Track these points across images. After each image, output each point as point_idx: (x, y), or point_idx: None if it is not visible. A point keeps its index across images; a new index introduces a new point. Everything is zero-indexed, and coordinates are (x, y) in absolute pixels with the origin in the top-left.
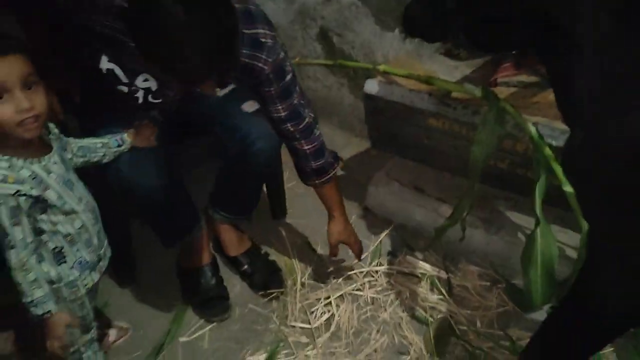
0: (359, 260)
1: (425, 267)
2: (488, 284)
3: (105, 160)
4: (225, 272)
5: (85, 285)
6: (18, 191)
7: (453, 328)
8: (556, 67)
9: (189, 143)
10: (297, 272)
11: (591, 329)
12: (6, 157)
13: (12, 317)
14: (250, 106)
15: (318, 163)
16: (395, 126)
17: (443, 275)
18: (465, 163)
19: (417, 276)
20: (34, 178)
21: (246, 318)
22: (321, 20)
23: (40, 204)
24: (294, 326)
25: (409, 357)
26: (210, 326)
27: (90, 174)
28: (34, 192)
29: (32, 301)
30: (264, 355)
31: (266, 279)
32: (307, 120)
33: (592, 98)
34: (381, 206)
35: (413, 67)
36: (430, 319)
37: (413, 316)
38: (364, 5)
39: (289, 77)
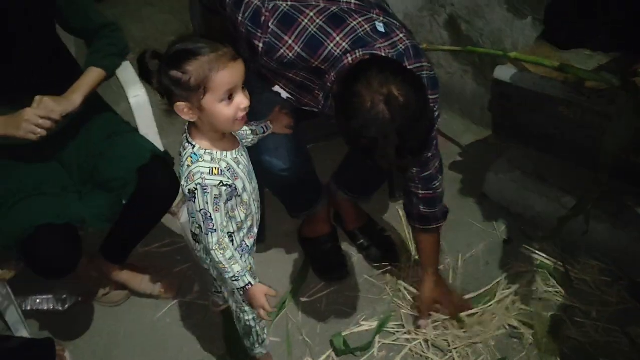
0: (453, 318)
1: (542, 257)
2: (609, 279)
3: (251, 144)
4: (343, 244)
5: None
6: (221, 182)
7: (565, 321)
8: None
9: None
10: (411, 249)
11: None
12: (208, 151)
13: None
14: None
15: (426, 211)
16: (523, 114)
17: (560, 267)
18: (594, 155)
19: (534, 267)
20: (229, 169)
21: (361, 287)
22: (451, 8)
23: (232, 192)
24: (405, 299)
25: (521, 343)
26: (328, 290)
27: None
28: (231, 182)
29: (233, 276)
30: (376, 323)
31: (382, 253)
32: (431, 171)
33: None
34: (499, 193)
35: (546, 55)
36: (543, 312)
37: (527, 304)
38: None
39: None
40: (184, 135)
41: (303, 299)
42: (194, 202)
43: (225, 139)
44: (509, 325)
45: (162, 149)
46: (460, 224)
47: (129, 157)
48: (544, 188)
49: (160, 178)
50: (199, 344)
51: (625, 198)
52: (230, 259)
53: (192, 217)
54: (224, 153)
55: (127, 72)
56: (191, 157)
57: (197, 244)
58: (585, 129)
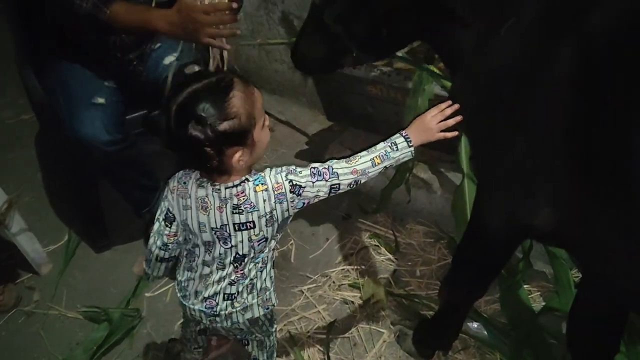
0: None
1: (375, 228)
2: (432, 240)
3: None
4: None
5: None
6: None
7: (391, 282)
8: (443, 42)
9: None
10: None
11: (486, 241)
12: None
13: None
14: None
15: None
16: (343, 97)
17: (390, 235)
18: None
19: (368, 239)
20: None
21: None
22: (282, 5)
23: None
24: None
25: (353, 306)
26: (172, 284)
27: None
28: None
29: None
30: None
31: None
32: None
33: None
34: None
35: None
36: (372, 277)
37: (358, 274)
38: None
39: None
40: (220, 190)
41: (147, 294)
42: (302, 185)
43: None
44: (342, 297)
45: None
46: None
47: None
48: None
49: None
50: (38, 353)
51: (438, 165)
52: (368, 153)
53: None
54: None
55: None
56: (257, 184)
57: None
58: (392, 105)
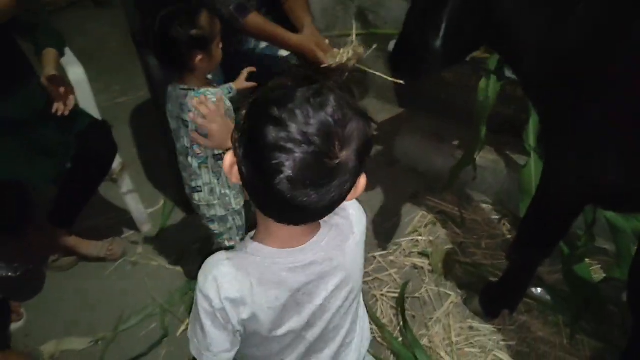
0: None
1: (442, 205)
2: (497, 217)
3: None
4: None
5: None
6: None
7: (458, 252)
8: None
9: None
10: None
11: (557, 203)
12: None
13: None
14: (284, 51)
15: None
16: (415, 83)
17: (457, 212)
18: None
19: (435, 214)
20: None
21: None
22: (358, 1)
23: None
24: None
25: (422, 271)
26: None
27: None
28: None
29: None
30: None
31: None
32: None
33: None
34: (406, 156)
35: None
36: (440, 247)
37: (427, 245)
38: None
39: None
40: (177, 89)
41: None
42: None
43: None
44: (412, 263)
45: (99, 118)
46: (374, 185)
47: (68, 124)
48: (441, 145)
49: (97, 142)
50: (143, 296)
51: (504, 147)
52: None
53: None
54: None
55: (67, 56)
56: (197, 96)
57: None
58: (465, 91)
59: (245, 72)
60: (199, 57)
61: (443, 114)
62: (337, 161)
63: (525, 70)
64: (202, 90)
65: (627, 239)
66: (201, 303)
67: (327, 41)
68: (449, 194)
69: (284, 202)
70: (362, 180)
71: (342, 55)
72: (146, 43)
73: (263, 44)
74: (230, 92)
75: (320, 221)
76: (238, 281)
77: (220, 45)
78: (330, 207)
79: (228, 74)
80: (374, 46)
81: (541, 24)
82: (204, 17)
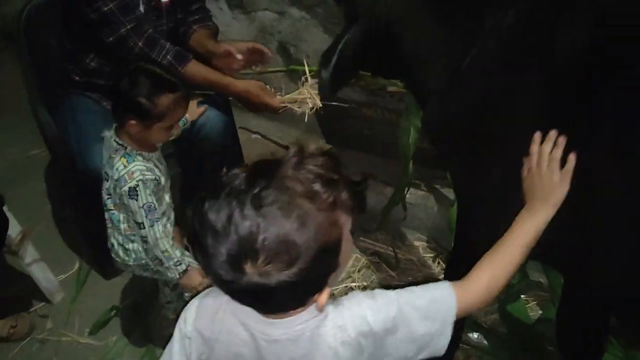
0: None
1: (376, 247)
2: (431, 255)
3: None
4: None
5: None
6: (155, 177)
7: None
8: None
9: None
10: None
11: (473, 258)
12: (139, 152)
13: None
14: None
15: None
16: (339, 120)
17: (391, 252)
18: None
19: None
20: (156, 166)
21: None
22: (278, 35)
23: (159, 186)
24: None
25: None
26: None
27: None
28: (159, 177)
29: (177, 260)
30: None
31: None
32: None
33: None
34: None
35: None
36: None
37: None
38: (312, 18)
39: None
40: (112, 139)
41: None
42: (137, 198)
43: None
44: None
45: None
46: None
47: None
48: (370, 183)
49: None
50: None
51: (434, 181)
52: (172, 245)
53: (126, 221)
54: (151, 154)
55: None
56: (125, 158)
57: (129, 255)
58: (388, 126)
59: (195, 102)
60: (132, 122)
61: (368, 150)
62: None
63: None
64: (133, 156)
65: (558, 275)
66: (179, 321)
67: None
68: (382, 233)
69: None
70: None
71: (298, 102)
72: (38, 94)
73: None
74: (185, 124)
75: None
76: (214, 321)
77: (174, 133)
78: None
79: None
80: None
81: (439, 75)
82: (168, 98)
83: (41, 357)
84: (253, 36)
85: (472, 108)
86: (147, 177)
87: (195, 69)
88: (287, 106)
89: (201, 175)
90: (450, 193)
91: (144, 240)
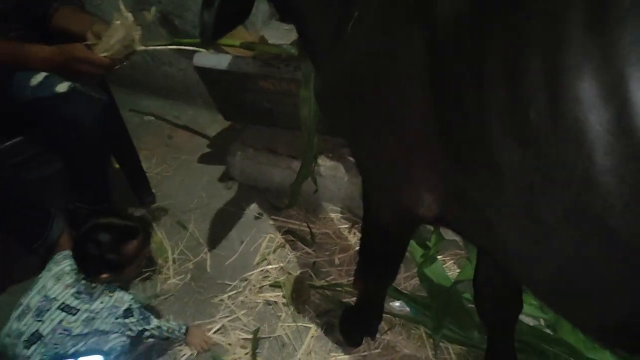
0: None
1: (289, 224)
2: (347, 226)
3: None
4: None
5: None
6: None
7: (311, 275)
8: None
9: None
10: (168, 250)
11: (381, 231)
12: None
13: None
14: (63, 86)
15: None
16: (236, 95)
17: (305, 228)
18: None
19: (284, 235)
20: None
21: None
22: (160, 5)
23: None
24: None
25: (276, 306)
26: None
27: None
28: None
29: (172, 332)
30: None
31: None
32: None
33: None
34: (242, 174)
35: (242, 36)
36: (292, 274)
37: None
38: None
39: None
40: (81, 282)
41: None
42: (133, 314)
43: None
44: (264, 299)
45: None
46: (214, 212)
47: None
48: (275, 159)
49: None
50: None
51: (342, 151)
52: (167, 321)
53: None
54: None
55: None
56: (108, 289)
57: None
58: (289, 97)
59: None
60: (105, 275)
61: (270, 123)
62: None
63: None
64: (115, 289)
65: None
66: None
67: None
68: (294, 209)
69: None
70: None
71: (113, 42)
72: None
73: (34, 84)
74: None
75: None
76: None
77: (139, 264)
78: None
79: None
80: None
81: (324, 37)
82: (132, 245)
83: None
84: (130, 8)
85: (356, 74)
86: (132, 296)
87: None
88: (107, 53)
89: (84, 170)
90: None
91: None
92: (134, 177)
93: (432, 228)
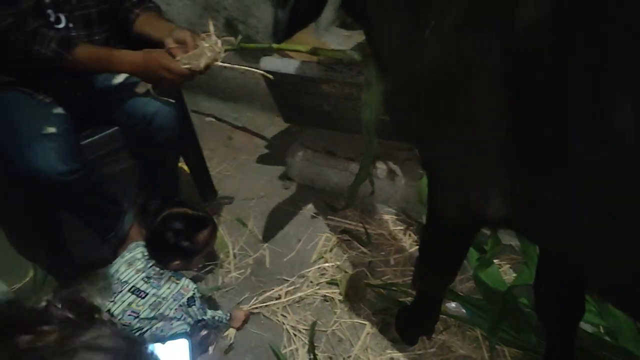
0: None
1: (345, 224)
2: (402, 228)
3: None
4: None
5: None
6: None
7: (367, 273)
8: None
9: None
10: (229, 245)
11: (445, 232)
12: None
13: None
14: (143, 87)
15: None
16: (298, 98)
17: (361, 228)
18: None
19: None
20: None
21: None
22: (225, 12)
23: None
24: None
25: (332, 303)
26: None
27: None
28: None
29: (221, 320)
30: None
31: None
32: None
33: (387, 50)
34: (301, 174)
35: (306, 41)
36: (348, 272)
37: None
38: None
39: None
40: (149, 266)
41: None
42: (195, 303)
43: None
44: (322, 295)
45: None
46: (272, 211)
47: None
48: (334, 161)
49: None
50: None
51: (399, 154)
52: (214, 311)
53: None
54: None
55: None
56: (174, 277)
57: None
58: (349, 101)
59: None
60: (177, 263)
61: (329, 126)
62: None
63: (389, 84)
64: (182, 276)
65: None
66: None
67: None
68: (350, 210)
69: None
70: None
71: (199, 56)
72: None
73: (116, 83)
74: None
75: None
76: None
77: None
78: None
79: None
80: (239, 38)
81: (398, 41)
82: (204, 234)
83: None
84: (198, 14)
85: (431, 78)
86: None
87: (84, 52)
88: (190, 66)
89: (157, 167)
90: (415, 164)
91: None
92: (199, 175)
93: (488, 232)
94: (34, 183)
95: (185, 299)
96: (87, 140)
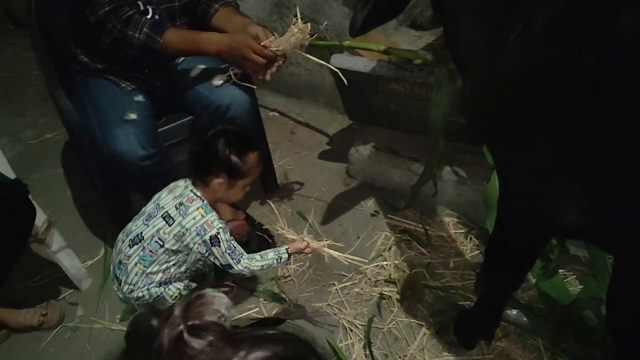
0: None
1: (405, 224)
2: (463, 231)
3: None
4: None
5: None
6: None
7: (425, 274)
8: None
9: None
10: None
11: (514, 239)
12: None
13: None
14: (219, 80)
15: None
16: (365, 96)
17: (421, 229)
18: (428, 123)
19: (399, 234)
20: None
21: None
22: (295, 9)
23: None
24: (286, 281)
25: (390, 301)
26: None
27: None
28: None
29: (275, 260)
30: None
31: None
32: None
33: (469, 50)
34: (362, 172)
35: (374, 40)
36: (406, 272)
37: (392, 271)
38: None
39: None
40: (188, 188)
41: None
42: (219, 245)
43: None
44: (379, 292)
45: (12, 177)
46: (332, 206)
47: None
48: (396, 160)
49: (9, 208)
50: None
51: (463, 157)
52: (261, 258)
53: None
54: None
55: None
56: (203, 209)
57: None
58: (417, 101)
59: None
60: (221, 180)
61: (394, 125)
62: None
63: (467, 87)
64: (210, 209)
65: (601, 250)
66: None
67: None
68: (410, 210)
69: None
70: None
71: (288, 39)
72: (55, 78)
73: (194, 75)
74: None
75: None
76: None
77: (247, 189)
78: None
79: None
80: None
81: (481, 42)
82: (254, 155)
83: (74, 345)
84: (268, 11)
85: (517, 82)
86: (222, 224)
87: (173, 35)
88: (279, 50)
89: None
90: (478, 169)
91: (243, 276)
92: (263, 167)
93: (554, 241)
94: (116, 164)
95: (207, 237)
96: (163, 128)
